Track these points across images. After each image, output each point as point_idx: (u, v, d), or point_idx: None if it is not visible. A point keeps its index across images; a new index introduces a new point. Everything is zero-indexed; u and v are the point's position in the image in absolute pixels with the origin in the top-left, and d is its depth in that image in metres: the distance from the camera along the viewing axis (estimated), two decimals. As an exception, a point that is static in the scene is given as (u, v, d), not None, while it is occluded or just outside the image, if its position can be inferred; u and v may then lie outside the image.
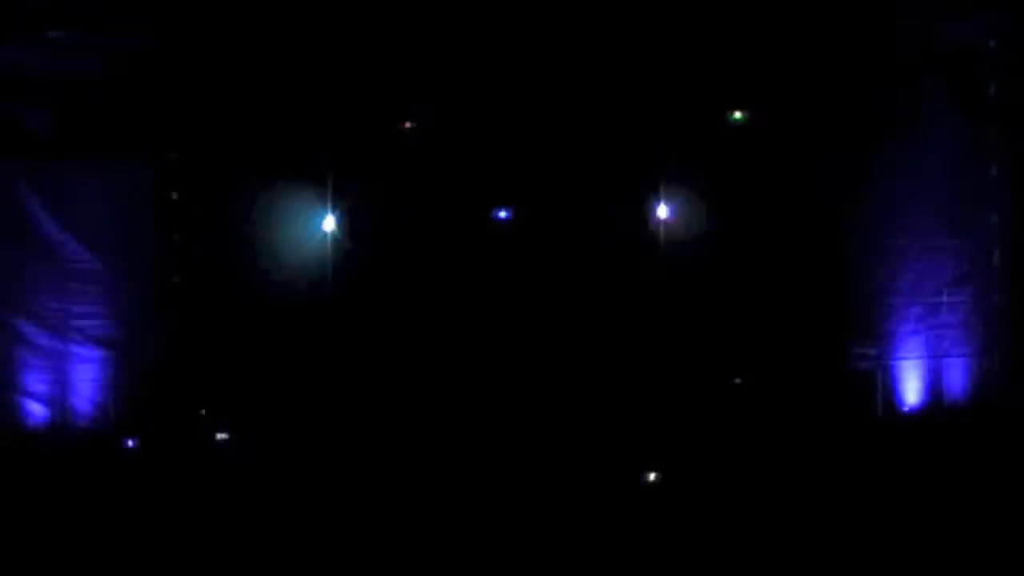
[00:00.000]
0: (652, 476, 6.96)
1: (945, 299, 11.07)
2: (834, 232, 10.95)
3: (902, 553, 8.52)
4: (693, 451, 10.29)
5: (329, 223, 10.68)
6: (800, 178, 10.92)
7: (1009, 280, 10.91)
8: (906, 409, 10.97)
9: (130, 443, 10.63)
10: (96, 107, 10.83)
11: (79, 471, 10.19)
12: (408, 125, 11.13)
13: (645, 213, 10.77)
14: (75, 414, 10.90)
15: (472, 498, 9.33)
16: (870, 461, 10.04)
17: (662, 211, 10.75)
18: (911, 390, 11.03)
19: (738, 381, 11.13)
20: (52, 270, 10.99)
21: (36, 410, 10.88)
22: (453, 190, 10.83)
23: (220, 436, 10.68)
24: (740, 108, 11.03)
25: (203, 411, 10.72)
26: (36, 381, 10.91)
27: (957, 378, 11.04)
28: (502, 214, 10.86)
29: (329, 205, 10.68)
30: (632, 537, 8.45)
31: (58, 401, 10.93)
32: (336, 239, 10.70)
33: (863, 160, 10.91)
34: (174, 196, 11.17)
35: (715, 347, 10.83)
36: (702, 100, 10.66)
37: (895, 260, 11.06)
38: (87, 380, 10.97)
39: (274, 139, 10.70)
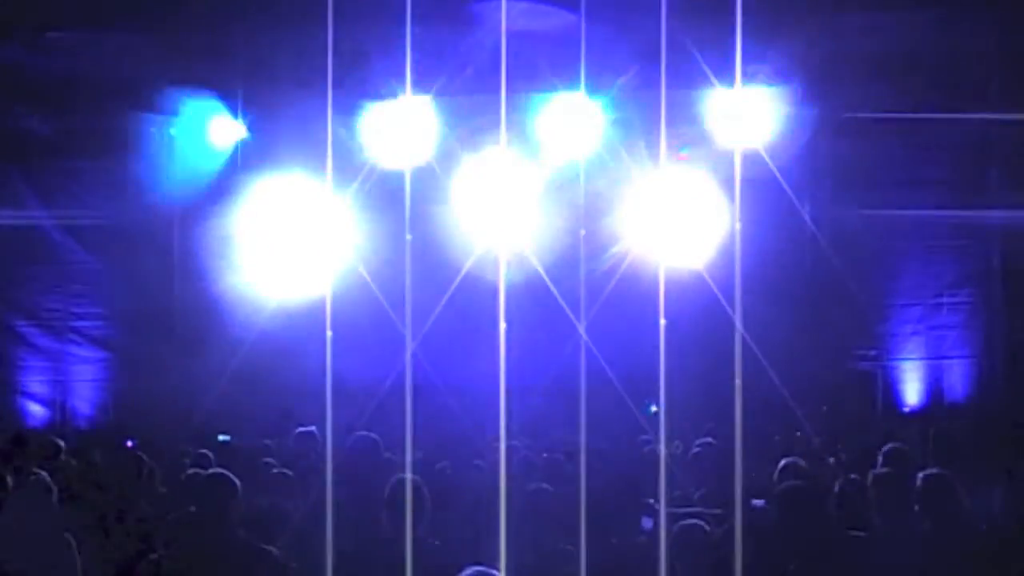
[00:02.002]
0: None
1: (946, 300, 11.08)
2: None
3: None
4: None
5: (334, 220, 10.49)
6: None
7: (1009, 280, 10.88)
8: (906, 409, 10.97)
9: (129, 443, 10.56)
10: (95, 107, 10.82)
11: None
12: None
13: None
14: (75, 414, 10.87)
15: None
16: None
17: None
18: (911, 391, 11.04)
19: (738, 383, 11.10)
20: (52, 270, 10.99)
21: (36, 410, 10.85)
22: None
23: (222, 438, 10.58)
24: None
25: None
26: (36, 381, 10.90)
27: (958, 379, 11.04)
28: None
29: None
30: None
31: (58, 401, 10.91)
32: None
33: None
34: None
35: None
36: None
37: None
38: (87, 380, 10.95)
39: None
